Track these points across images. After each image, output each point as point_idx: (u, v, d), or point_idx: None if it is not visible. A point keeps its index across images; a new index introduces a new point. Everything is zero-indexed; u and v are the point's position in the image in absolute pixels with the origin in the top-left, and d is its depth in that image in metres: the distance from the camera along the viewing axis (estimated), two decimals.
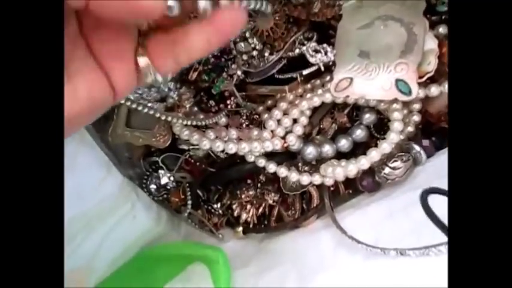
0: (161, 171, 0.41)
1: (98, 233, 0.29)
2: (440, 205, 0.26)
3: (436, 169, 0.33)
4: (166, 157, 0.41)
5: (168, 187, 0.42)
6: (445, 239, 0.28)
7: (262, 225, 0.41)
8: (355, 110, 0.38)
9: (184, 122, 0.34)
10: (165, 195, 0.42)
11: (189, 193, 0.41)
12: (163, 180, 0.41)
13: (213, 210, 0.42)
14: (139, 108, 0.32)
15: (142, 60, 0.19)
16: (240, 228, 0.41)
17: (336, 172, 0.34)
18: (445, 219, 0.26)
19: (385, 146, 0.33)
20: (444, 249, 0.27)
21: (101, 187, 0.30)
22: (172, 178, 0.41)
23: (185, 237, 0.42)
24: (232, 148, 0.34)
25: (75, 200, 0.27)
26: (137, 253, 0.34)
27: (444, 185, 0.30)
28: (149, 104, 0.33)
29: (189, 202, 0.41)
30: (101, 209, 0.30)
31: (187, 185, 0.41)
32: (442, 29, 0.34)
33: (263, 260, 0.36)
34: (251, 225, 0.41)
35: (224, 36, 0.18)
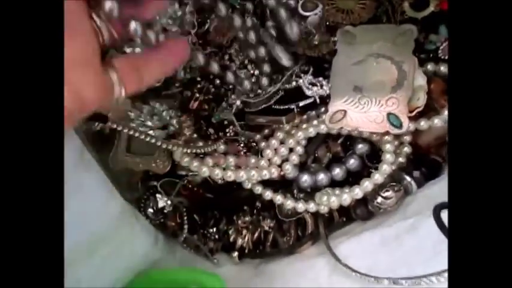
0: (158, 195, 0.42)
1: (100, 256, 0.30)
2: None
3: (426, 199, 0.34)
4: (164, 182, 0.41)
5: (165, 211, 0.42)
6: (436, 269, 0.29)
7: (258, 251, 0.42)
8: (349, 140, 0.40)
9: (184, 150, 0.35)
10: (161, 220, 0.42)
11: (185, 218, 0.42)
12: (161, 204, 0.42)
13: (208, 235, 0.43)
14: (141, 136, 0.33)
15: (113, 74, 0.21)
16: (236, 254, 0.41)
17: (331, 201, 0.35)
18: None
19: (378, 177, 0.34)
20: (435, 279, 0.28)
21: (105, 209, 0.31)
22: (169, 202, 0.42)
23: (180, 261, 0.42)
24: (230, 176, 0.35)
25: (81, 222, 0.28)
26: (134, 277, 0.34)
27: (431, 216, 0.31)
28: (150, 132, 0.34)
29: (186, 227, 0.42)
30: (104, 232, 0.30)
31: (184, 209, 0.42)
32: (431, 66, 0.37)
33: (259, 285, 0.37)
34: (246, 251, 0.41)
35: (174, 63, 0.24)
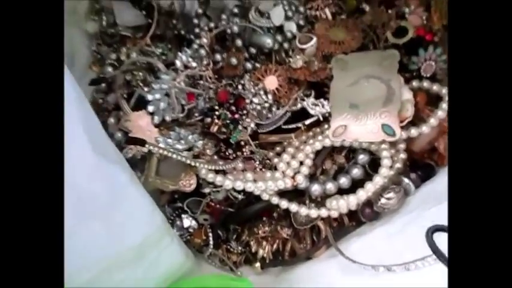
0: (184, 215, 0.46)
1: (147, 260, 0.34)
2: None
3: (423, 197, 0.39)
4: (189, 201, 0.46)
5: (191, 230, 0.46)
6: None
7: (278, 260, 0.45)
8: (352, 152, 0.45)
9: (209, 167, 0.40)
10: (188, 237, 0.46)
11: (210, 234, 0.46)
12: (186, 223, 0.46)
13: (232, 249, 0.46)
14: (173, 155, 0.38)
15: None
16: (258, 264, 0.45)
17: (340, 204, 0.40)
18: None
19: (378, 179, 0.39)
20: (421, 264, 0.32)
21: (151, 218, 0.35)
22: (194, 221, 0.46)
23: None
24: (250, 187, 0.40)
25: (132, 228, 0.32)
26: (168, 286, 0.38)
27: (429, 209, 0.36)
28: (179, 152, 0.40)
29: (211, 242, 0.46)
30: (151, 238, 0.34)
31: (209, 226, 0.46)
32: (415, 83, 0.43)
33: None
34: (267, 261, 0.45)
35: None
